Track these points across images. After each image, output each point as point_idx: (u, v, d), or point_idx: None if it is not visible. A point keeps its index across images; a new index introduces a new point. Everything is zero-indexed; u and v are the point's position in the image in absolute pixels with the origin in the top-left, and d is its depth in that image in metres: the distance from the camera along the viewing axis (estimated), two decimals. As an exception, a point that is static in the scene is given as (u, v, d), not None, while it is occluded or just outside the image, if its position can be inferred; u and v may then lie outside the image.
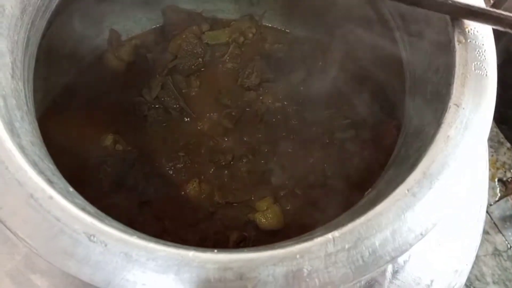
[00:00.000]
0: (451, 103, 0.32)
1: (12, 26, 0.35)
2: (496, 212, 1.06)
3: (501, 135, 1.12)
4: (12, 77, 0.33)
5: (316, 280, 0.28)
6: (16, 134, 0.30)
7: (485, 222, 1.05)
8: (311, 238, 0.29)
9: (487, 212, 1.06)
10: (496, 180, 1.11)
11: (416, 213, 0.30)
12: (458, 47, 0.34)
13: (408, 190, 0.30)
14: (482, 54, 0.34)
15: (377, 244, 0.29)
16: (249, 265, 0.28)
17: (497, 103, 1.08)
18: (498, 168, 1.12)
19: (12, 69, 0.34)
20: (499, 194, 1.09)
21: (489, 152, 1.12)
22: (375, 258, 0.29)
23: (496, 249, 1.01)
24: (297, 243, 0.29)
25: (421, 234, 0.29)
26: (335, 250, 0.28)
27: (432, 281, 0.40)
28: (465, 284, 0.97)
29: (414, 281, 0.39)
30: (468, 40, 0.34)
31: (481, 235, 0.47)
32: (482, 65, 0.33)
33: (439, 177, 0.30)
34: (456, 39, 0.34)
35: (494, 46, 0.35)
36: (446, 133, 0.31)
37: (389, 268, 0.39)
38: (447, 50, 0.35)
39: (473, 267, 0.98)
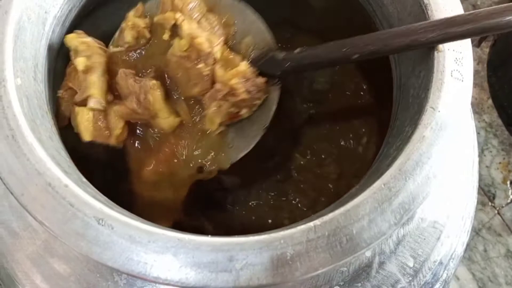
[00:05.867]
0: (427, 106, 0.35)
1: (35, 34, 0.39)
2: (508, 214, 1.07)
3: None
4: (35, 79, 0.38)
5: (298, 263, 0.31)
6: (37, 130, 0.34)
7: (497, 224, 1.07)
8: (295, 226, 0.32)
9: (499, 214, 1.07)
10: (508, 182, 1.12)
11: (391, 205, 0.33)
12: (437, 55, 0.37)
13: (384, 185, 0.33)
14: (460, 62, 0.37)
15: (354, 232, 0.32)
16: (238, 248, 0.31)
17: (505, 105, 1.09)
18: (510, 171, 1.13)
19: (35, 72, 0.38)
20: (511, 196, 1.10)
21: (501, 155, 1.14)
22: (352, 244, 0.32)
23: (508, 250, 1.03)
24: (282, 230, 0.32)
25: (395, 224, 0.32)
26: (316, 237, 0.32)
27: (417, 273, 0.43)
28: (478, 286, 0.98)
29: (399, 272, 0.42)
30: (447, 49, 0.37)
31: (470, 232, 0.49)
32: (459, 72, 0.36)
33: (413, 173, 0.33)
34: (435, 47, 0.37)
35: (471, 54, 0.38)
36: (421, 134, 0.34)
37: (376, 258, 0.42)
38: (427, 58, 0.37)
39: (485, 268, 1.00)
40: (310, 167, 0.62)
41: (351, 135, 0.62)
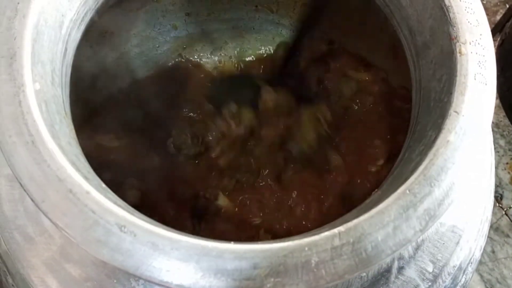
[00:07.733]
0: (451, 110, 0.35)
1: (52, 38, 0.38)
2: (516, 215, 1.06)
3: (519, 139, 1.13)
4: (52, 84, 0.37)
5: (323, 271, 0.31)
6: (56, 136, 0.34)
7: (505, 224, 1.06)
8: (319, 233, 0.32)
9: (506, 214, 1.07)
10: (516, 183, 1.11)
11: (416, 212, 0.32)
12: (459, 58, 0.36)
13: (409, 190, 0.33)
14: (483, 65, 0.36)
15: (379, 239, 0.32)
16: (262, 256, 0.31)
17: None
18: (517, 172, 1.12)
19: (52, 76, 0.38)
20: (519, 197, 1.10)
21: (508, 155, 1.13)
22: (377, 252, 0.31)
23: (516, 251, 1.02)
24: (306, 236, 0.31)
25: (420, 231, 0.32)
26: (341, 244, 0.31)
27: (436, 278, 0.43)
28: (486, 287, 0.98)
29: (419, 277, 0.42)
30: (470, 52, 0.37)
31: (486, 236, 0.49)
32: (482, 75, 0.36)
33: (438, 178, 0.33)
34: (458, 50, 0.37)
35: (494, 57, 0.37)
36: (446, 138, 0.34)
37: (395, 264, 0.42)
38: (449, 61, 0.37)
39: (493, 270, 0.99)
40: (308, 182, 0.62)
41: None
